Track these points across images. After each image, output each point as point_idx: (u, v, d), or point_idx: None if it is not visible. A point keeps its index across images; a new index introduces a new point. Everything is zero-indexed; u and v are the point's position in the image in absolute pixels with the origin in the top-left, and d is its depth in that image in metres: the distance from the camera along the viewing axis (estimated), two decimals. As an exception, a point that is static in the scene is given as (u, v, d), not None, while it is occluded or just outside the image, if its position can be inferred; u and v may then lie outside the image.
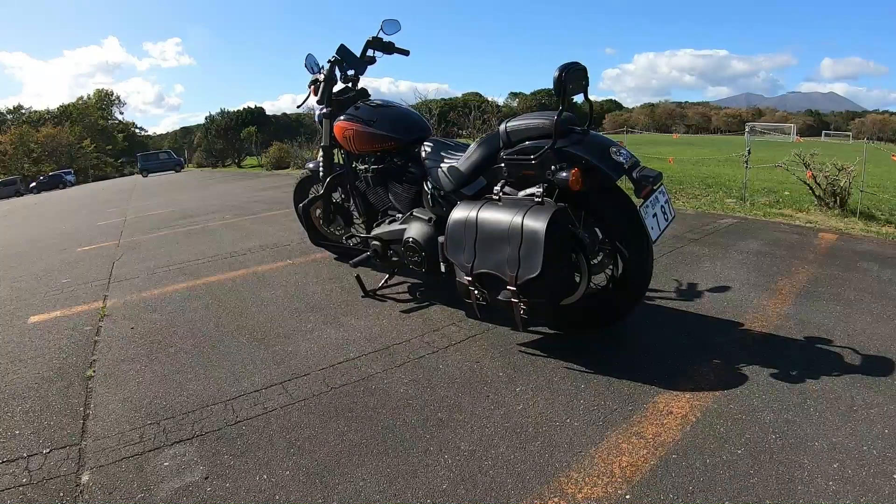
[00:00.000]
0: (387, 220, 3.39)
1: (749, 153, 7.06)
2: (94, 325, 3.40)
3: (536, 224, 2.20)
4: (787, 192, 7.04)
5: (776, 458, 1.74)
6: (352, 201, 3.74)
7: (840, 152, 8.60)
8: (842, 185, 5.72)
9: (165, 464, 1.91)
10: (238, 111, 41.59)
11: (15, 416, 2.31)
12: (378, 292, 3.51)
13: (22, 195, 34.31)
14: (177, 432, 2.10)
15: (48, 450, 2.04)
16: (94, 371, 2.71)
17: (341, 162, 3.70)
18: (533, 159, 2.43)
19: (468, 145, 2.92)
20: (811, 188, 6.00)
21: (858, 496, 1.57)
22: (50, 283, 4.62)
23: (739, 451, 1.78)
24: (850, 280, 3.37)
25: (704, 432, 1.90)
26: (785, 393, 2.11)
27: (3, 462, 1.98)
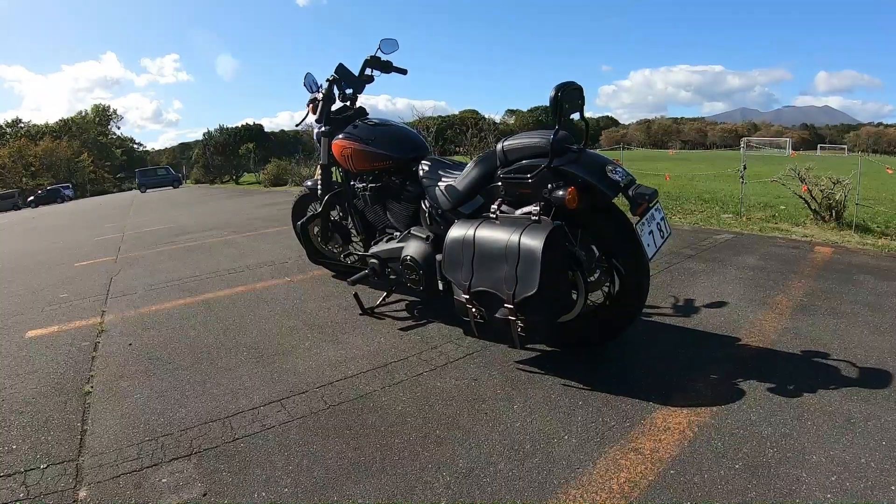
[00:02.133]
0: (385, 238, 3.41)
1: (745, 168, 7.10)
2: (92, 340, 3.39)
3: (533, 242, 2.22)
4: (783, 207, 7.08)
5: (774, 473, 1.74)
6: (350, 219, 3.75)
7: (835, 166, 8.66)
8: (837, 198, 5.75)
9: (163, 480, 1.90)
10: (236, 128, 41.68)
11: (12, 431, 2.30)
12: (376, 310, 3.52)
13: (20, 209, 34.33)
14: (175, 449, 2.09)
15: (46, 465, 2.04)
16: (91, 387, 2.71)
17: (340, 180, 3.73)
18: (529, 178, 2.44)
19: (465, 164, 2.94)
20: (807, 202, 6.04)
21: (856, 509, 1.57)
22: (48, 298, 4.62)
23: (737, 466, 1.79)
24: (846, 293, 3.39)
25: (702, 447, 1.90)
26: (782, 407, 2.12)
27: (1, 477, 1.98)
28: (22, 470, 2.02)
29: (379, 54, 3.56)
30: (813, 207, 5.97)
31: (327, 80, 3.56)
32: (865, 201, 6.31)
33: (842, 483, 1.68)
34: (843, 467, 1.75)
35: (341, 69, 3.54)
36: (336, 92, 3.57)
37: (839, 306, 3.17)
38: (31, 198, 37.24)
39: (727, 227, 5.91)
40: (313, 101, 3.64)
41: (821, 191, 5.89)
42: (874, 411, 2.06)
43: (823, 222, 5.78)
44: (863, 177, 6.23)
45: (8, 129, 62.33)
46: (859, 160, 6.64)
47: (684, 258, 4.45)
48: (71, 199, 38.51)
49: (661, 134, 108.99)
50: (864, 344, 2.65)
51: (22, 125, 64.01)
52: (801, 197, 6.14)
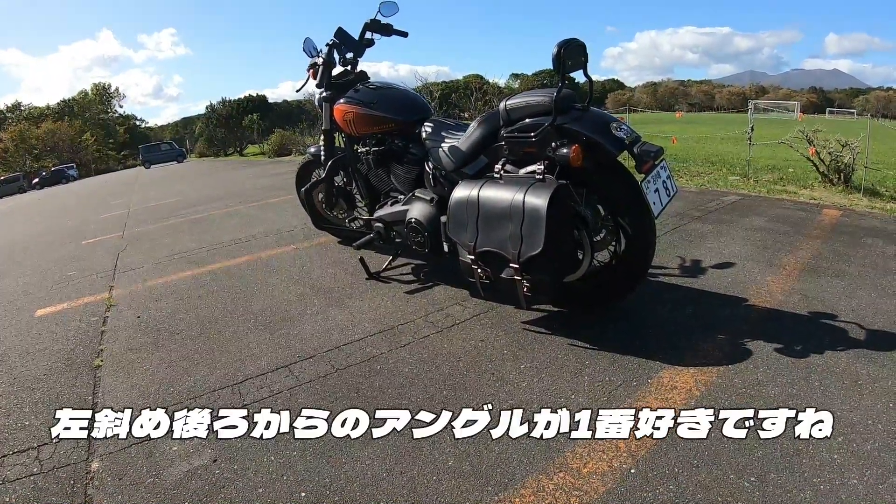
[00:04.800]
0: (389, 202, 3.39)
1: (752, 130, 7.01)
2: (101, 315, 3.41)
3: (538, 201, 2.20)
4: (790, 169, 6.99)
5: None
6: (354, 184, 3.73)
7: (844, 129, 8.52)
8: (846, 161, 5.67)
9: (174, 449, 1.92)
10: (239, 99, 41.37)
11: (25, 408, 2.33)
12: (382, 274, 3.52)
13: (25, 192, 34.27)
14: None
15: (58, 439, 2.06)
16: (101, 361, 2.73)
17: (342, 145, 3.70)
18: (533, 137, 2.41)
19: (469, 125, 2.91)
20: (815, 165, 5.96)
21: (863, 469, 1.57)
22: (56, 277, 4.64)
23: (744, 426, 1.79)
24: (854, 255, 3.35)
25: (709, 406, 1.89)
26: (789, 367, 2.11)
27: (15, 453, 2.00)
28: (35, 445, 2.04)
29: (379, 17, 3.50)
30: (821, 170, 5.89)
31: (327, 44, 3.51)
32: (875, 165, 6.22)
33: (849, 444, 1.68)
34: (850, 428, 1.75)
35: (341, 33, 3.49)
36: (336, 56, 3.52)
37: (847, 268, 3.14)
38: (36, 180, 37.07)
39: (734, 188, 5.85)
40: (313, 66, 3.59)
41: (829, 153, 5.81)
42: (881, 373, 2.04)
43: (832, 185, 5.71)
44: (872, 141, 6.13)
45: (9, 114, 61.72)
46: (868, 123, 6.53)
47: (691, 219, 4.41)
48: (76, 178, 38.36)
49: (667, 96, 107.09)
50: (872, 306, 2.62)
51: (23, 108, 63.38)
52: (809, 159, 6.05)
